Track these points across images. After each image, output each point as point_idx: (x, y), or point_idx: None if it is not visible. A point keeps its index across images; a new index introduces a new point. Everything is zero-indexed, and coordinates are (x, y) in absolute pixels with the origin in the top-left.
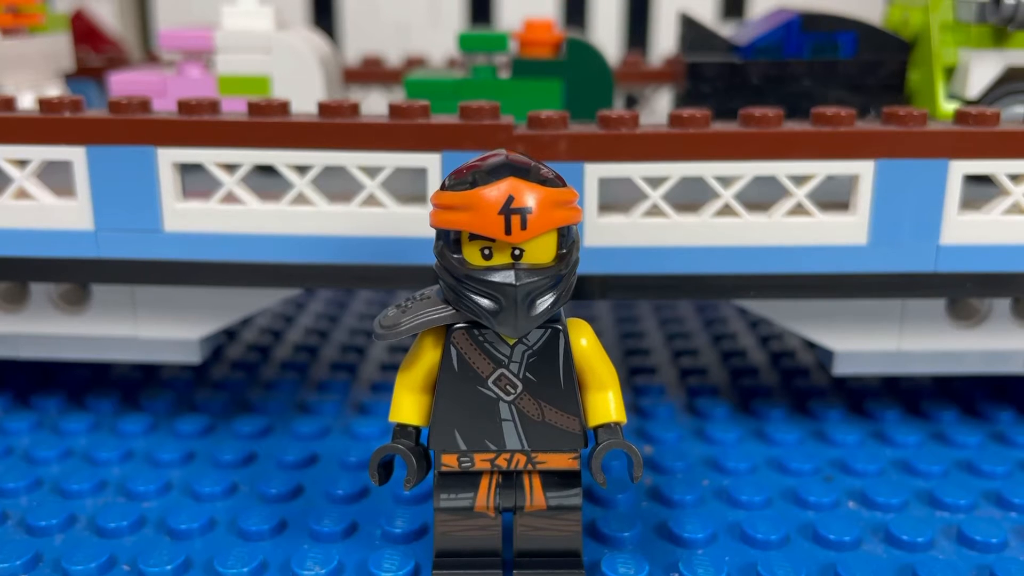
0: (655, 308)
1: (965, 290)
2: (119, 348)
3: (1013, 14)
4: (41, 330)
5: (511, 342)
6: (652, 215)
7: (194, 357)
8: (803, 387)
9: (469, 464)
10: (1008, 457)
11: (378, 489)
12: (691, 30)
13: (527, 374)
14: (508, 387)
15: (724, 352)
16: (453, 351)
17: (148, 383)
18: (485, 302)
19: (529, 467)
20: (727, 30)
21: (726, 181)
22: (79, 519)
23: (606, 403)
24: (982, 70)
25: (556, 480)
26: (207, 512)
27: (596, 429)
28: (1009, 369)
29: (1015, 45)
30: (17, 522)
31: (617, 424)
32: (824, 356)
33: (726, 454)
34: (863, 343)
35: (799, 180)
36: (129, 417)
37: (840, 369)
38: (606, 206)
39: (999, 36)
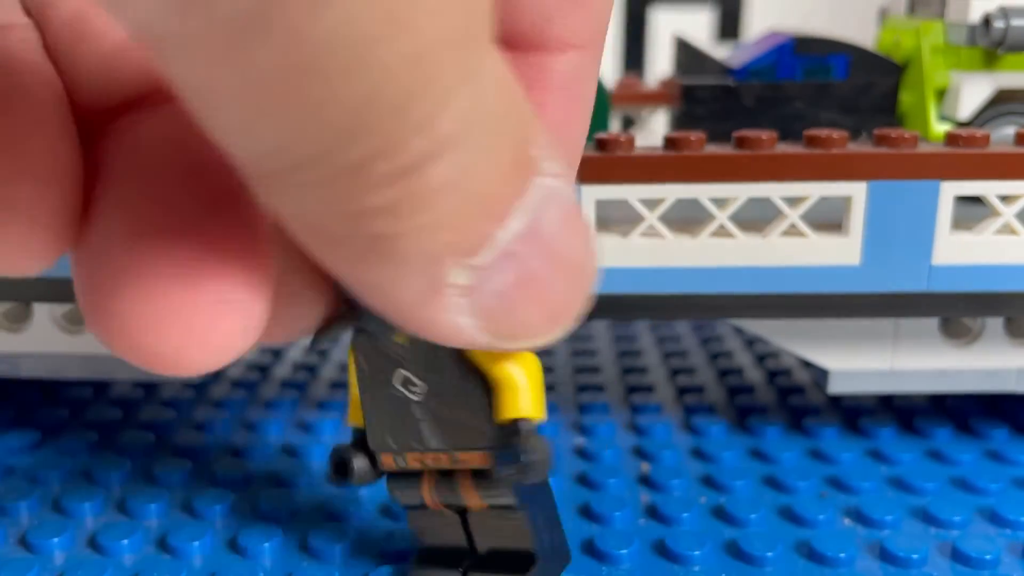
0: (652, 327)
1: (958, 309)
2: (120, 366)
3: (1003, 37)
4: (43, 349)
5: (403, 342)
6: (648, 236)
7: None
8: (799, 405)
9: (404, 464)
10: (1002, 474)
11: (375, 508)
12: (686, 53)
13: (427, 373)
14: (411, 387)
15: (721, 370)
16: (359, 354)
17: (148, 401)
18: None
19: (456, 466)
20: (721, 53)
21: (721, 202)
22: (80, 538)
23: (505, 399)
24: (973, 92)
25: (487, 479)
26: (207, 530)
27: (503, 426)
28: (1002, 387)
29: (1005, 67)
30: (17, 540)
31: (525, 420)
32: (819, 375)
33: (723, 472)
34: (857, 362)
35: (793, 201)
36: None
37: (835, 388)
38: (603, 227)
39: (989, 58)
